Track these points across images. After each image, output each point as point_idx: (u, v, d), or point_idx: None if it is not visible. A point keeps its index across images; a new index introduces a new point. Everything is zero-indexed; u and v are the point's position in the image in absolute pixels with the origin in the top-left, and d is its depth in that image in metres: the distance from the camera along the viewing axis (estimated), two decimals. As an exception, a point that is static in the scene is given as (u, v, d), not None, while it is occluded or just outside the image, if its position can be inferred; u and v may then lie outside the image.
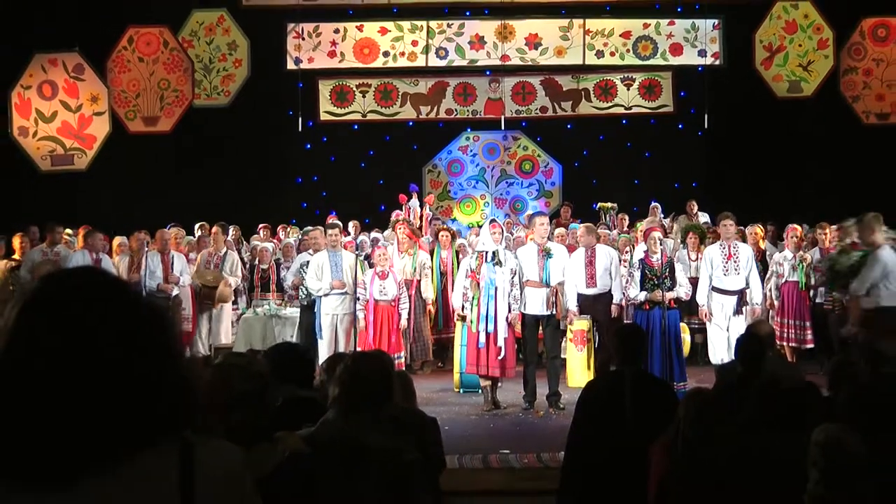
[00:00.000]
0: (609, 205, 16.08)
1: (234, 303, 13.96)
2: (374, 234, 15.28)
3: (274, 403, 5.01)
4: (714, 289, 12.30)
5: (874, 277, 10.08)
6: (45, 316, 1.93)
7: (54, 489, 1.86)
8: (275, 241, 15.34)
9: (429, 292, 13.54)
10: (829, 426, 4.50)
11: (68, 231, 14.20)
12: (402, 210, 15.66)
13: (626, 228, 15.24)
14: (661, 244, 11.92)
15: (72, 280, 2.07)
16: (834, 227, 13.70)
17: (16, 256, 13.71)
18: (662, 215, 15.30)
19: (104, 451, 1.88)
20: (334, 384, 4.37)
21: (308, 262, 12.69)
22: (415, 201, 16.03)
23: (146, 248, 13.67)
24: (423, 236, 14.61)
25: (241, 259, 14.41)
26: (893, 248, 10.65)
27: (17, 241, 13.96)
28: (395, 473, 4.20)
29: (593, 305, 12.31)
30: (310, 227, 13.56)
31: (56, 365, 1.88)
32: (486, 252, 11.62)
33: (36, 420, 1.86)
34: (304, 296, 12.71)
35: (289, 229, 16.05)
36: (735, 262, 12.32)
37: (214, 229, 13.74)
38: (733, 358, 7.96)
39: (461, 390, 12.23)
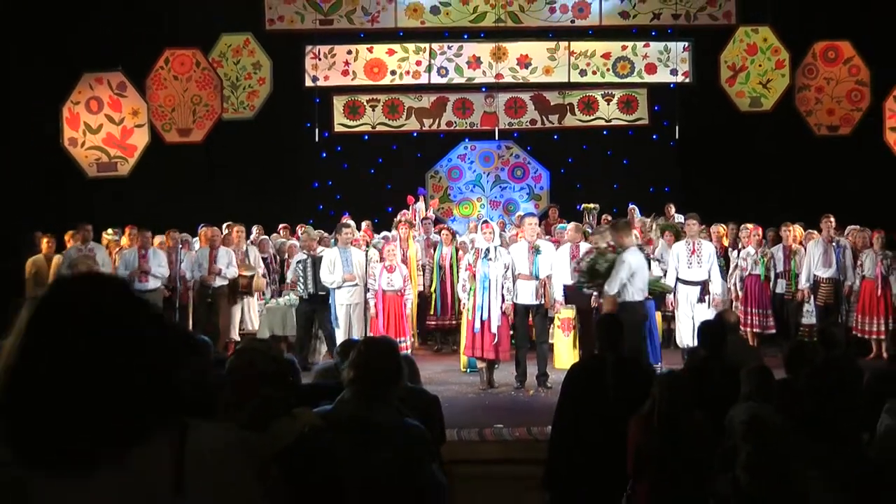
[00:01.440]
0: (591, 206, 16.12)
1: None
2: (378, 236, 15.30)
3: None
4: (679, 280, 12.40)
5: (622, 277, 10.19)
6: (53, 317, 1.94)
7: (67, 477, 1.87)
8: (294, 238, 15.40)
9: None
10: (749, 405, 4.54)
11: (109, 231, 14.23)
12: (408, 210, 15.73)
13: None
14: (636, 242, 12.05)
15: (75, 284, 2.08)
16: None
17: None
18: (640, 216, 15.32)
19: (109, 438, 1.88)
20: (348, 368, 4.38)
21: (303, 260, 12.77)
22: (421, 203, 16.11)
23: (180, 245, 13.77)
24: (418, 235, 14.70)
25: (274, 255, 14.51)
26: (641, 251, 10.96)
27: (67, 238, 13.96)
28: (404, 448, 4.23)
29: (578, 295, 12.36)
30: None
31: (63, 362, 1.88)
32: (481, 249, 11.72)
33: (48, 413, 1.87)
34: (301, 289, 12.73)
35: (306, 228, 16.09)
36: (698, 257, 12.46)
37: (238, 229, 13.77)
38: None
39: (468, 370, 12.30)
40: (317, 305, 12.66)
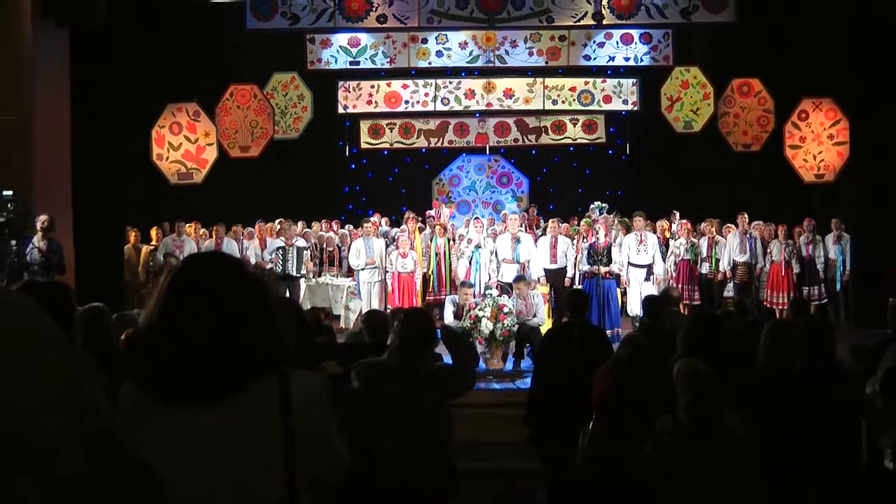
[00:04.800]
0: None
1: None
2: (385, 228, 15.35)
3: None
4: (630, 264, 12.50)
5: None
6: (186, 284, 1.99)
7: (195, 406, 1.91)
8: (333, 232, 15.47)
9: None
10: (688, 360, 4.60)
11: (189, 225, 14.34)
12: (433, 210, 15.92)
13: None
14: (601, 233, 12.21)
15: (203, 259, 2.17)
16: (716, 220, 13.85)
17: (153, 243, 13.84)
18: (598, 213, 15.33)
19: (230, 379, 1.91)
20: (394, 333, 4.60)
21: (278, 247, 12.83)
22: (445, 209, 16.28)
23: (242, 236, 13.90)
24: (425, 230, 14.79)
25: (319, 245, 14.58)
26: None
27: (153, 232, 14.10)
28: (436, 387, 4.53)
29: (555, 276, 12.45)
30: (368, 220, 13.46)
31: (194, 319, 1.92)
32: (472, 239, 11.85)
33: (181, 357, 1.90)
34: (279, 270, 12.68)
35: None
36: (644, 245, 12.56)
37: (301, 223, 13.74)
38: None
39: (465, 337, 12.37)
40: (289, 283, 12.72)
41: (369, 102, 17.22)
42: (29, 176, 9.37)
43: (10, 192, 6.57)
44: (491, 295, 10.35)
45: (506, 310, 10.07)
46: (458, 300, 10.71)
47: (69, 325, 4.00)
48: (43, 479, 1.15)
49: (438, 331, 4.97)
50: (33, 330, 1.20)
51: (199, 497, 1.86)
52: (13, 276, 7.46)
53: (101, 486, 1.21)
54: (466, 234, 13.87)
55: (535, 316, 10.49)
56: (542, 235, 13.65)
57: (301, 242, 13.31)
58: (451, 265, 13.12)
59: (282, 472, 1.91)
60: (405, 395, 4.34)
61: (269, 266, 12.94)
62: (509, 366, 10.42)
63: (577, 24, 14.21)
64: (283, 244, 12.87)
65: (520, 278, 10.87)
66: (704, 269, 13.65)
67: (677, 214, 14.59)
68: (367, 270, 12.60)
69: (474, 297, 10.82)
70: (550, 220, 13.52)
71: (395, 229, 15.00)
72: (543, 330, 10.92)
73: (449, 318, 10.60)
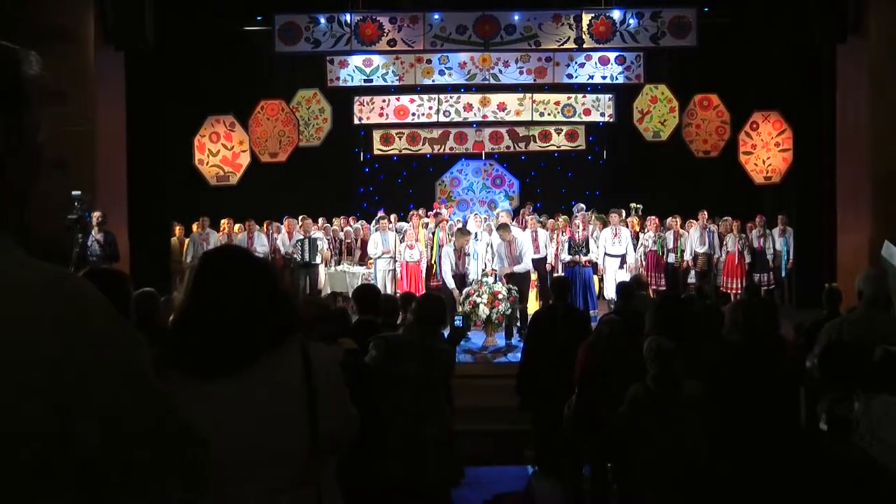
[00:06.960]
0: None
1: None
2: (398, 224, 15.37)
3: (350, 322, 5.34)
4: (606, 254, 12.57)
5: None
6: (207, 273, 2.05)
7: (222, 377, 1.95)
8: (349, 226, 15.53)
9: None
10: (654, 337, 4.68)
11: (224, 220, 14.39)
12: (432, 210, 15.97)
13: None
14: (580, 227, 12.26)
15: (219, 252, 2.26)
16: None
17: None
18: (577, 212, 15.36)
19: (250, 351, 1.96)
20: (411, 313, 4.74)
21: (301, 239, 12.99)
22: (444, 208, 16.33)
23: (272, 230, 13.98)
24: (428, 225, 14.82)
25: (337, 237, 14.65)
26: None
27: (195, 227, 14.09)
28: (447, 362, 4.74)
29: (538, 264, 12.48)
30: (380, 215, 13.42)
31: (216, 302, 1.98)
32: (471, 233, 11.91)
33: (206, 335, 1.96)
34: (298, 258, 12.84)
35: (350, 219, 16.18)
36: (618, 238, 12.63)
37: (322, 219, 13.81)
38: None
39: (464, 317, 12.44)
40: (309, 270, 12.85)
41: (381, 115, 17.25)
42: (93, 177, 9.61)
43: (79, 193, 6.67)
44: (487, 283, 10.43)
45: (500, 296, 10.16)
46: (456, 243, 10.90)
47: (126, 309, 4.10)
48: (108, 438, 1.16)
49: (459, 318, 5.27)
50: (105, 312, 1.20)
51: (237, 452, 1.92)
52: (79, 264, 7.61)
53: (155, 444, 1.22)
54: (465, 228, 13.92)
55: (521, 257, 10.66)
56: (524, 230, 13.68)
57: (317, 234, 13.40)
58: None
59: (306, 425, 1.98)
60: (418, 364, 4.48)
61: (293, 255, 13.10)
62: (501, 342, 10.52)
63: (561, 47, 14.26)
64: (302, 236, 13.01)
65: (502, 226, 11.04)
66: (671, 258, 13.75)
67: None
68: (382, 259, 12.72)
69: (471, 283, 10.88)
70: (528, 217, 13.59)
71: (404, 224, 15.04)
72: (531, 308, 11.05)
73: (448, 277, 10.77)
